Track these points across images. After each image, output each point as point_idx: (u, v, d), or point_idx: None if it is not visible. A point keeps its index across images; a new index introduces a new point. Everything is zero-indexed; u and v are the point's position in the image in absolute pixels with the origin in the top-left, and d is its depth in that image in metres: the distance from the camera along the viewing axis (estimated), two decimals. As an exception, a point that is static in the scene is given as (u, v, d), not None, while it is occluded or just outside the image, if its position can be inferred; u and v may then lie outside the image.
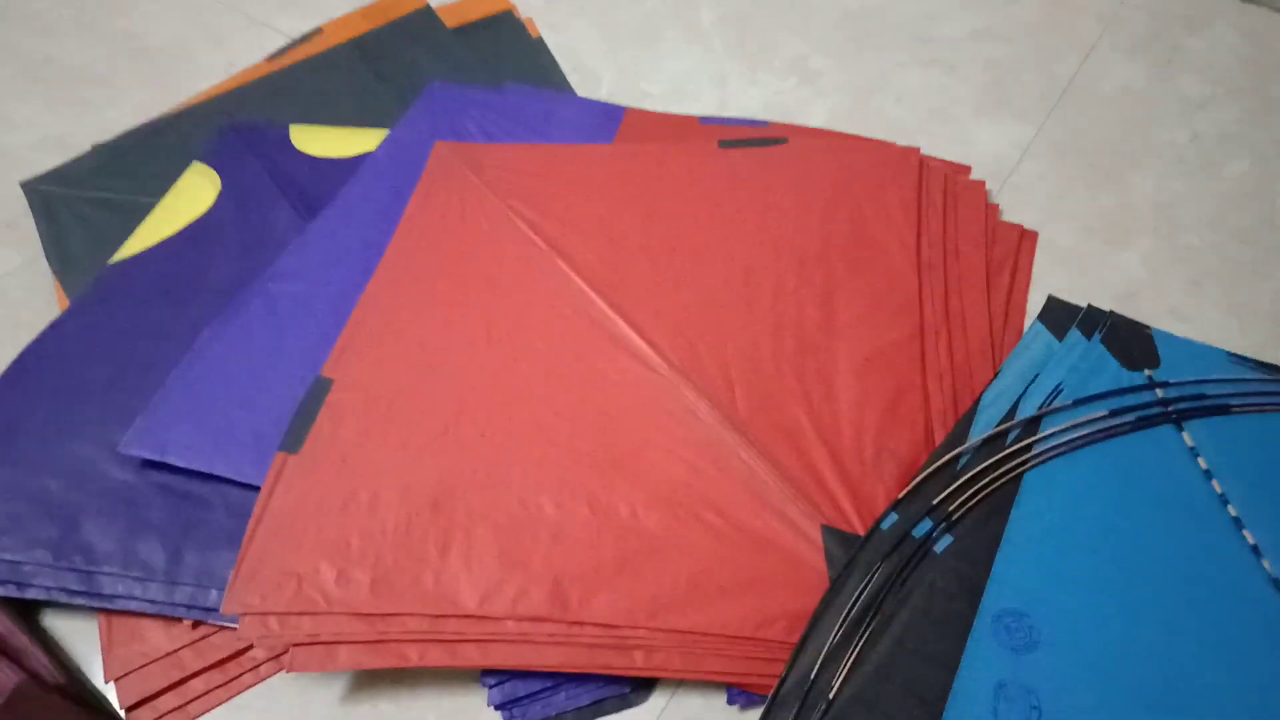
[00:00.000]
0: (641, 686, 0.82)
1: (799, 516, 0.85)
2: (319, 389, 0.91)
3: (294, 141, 1.18)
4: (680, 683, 0.83)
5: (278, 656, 0.83)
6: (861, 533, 0.85)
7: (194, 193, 1.11)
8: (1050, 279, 1.09)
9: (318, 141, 1.19)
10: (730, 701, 0.81)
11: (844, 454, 0.90)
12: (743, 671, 0.79)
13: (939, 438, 0.92)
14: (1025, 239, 1.14)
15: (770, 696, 0.76)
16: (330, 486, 0.85)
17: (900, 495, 0.86)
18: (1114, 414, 0.91)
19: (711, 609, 0.81)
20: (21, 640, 0.80)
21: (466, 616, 0.79)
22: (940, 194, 1.11)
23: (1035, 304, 1.07)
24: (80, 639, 0.85)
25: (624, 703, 0.82)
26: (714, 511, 0.86)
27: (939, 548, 0.82)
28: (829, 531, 0.85)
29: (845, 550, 0.83)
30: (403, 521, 0.84)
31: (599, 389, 0.93)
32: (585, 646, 0.79)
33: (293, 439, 0.87)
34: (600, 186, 1.07)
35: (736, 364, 0.95)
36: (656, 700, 0.82)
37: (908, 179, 1.11)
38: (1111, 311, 1.02)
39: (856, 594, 0.80)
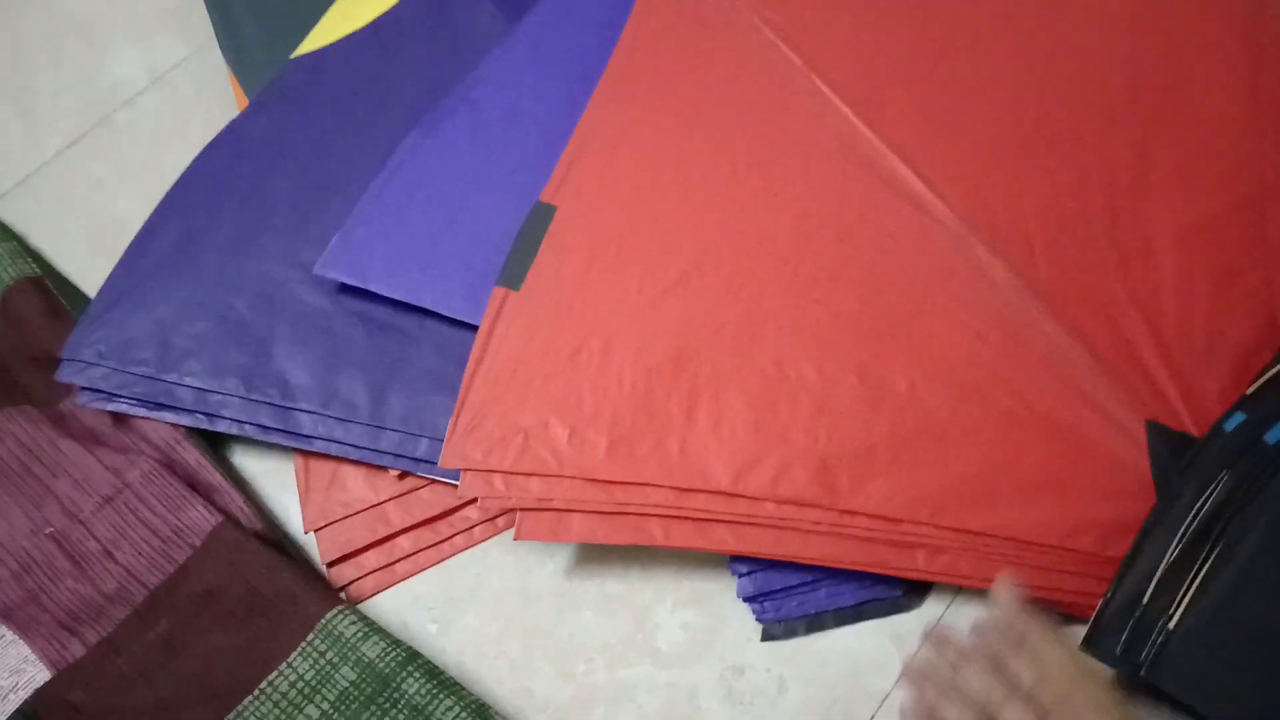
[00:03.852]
0: (914, 591, 0.70)
1: (1116, 407, 0.70)
2: (540, 216, 0.77)
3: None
4: (959, 590, 0.70)
5: (493, 519, 0.73)
6: (1193, 432, 0.69)
7: (380, -18, 0.96)
8: None
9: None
10: (1023, 618, 0.68)
11: (1169, 336, 0.73)
12: (1044, 585, 0.66)
13: (1282, 324, 0.74)
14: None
15: (1093, 619, 0.63)
16: (557, 331, 0.73)
17: (1249, 390, 0.69)
18: None
19: (1007, 509, 0.67)
20: (215, 477, 0.71)
21: (718, 493, 0.67)
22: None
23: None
24: (273, 483, 0.76)
25: (893, 607, 0.69)
26: (1010, 394, 0.71)
27: (1301, 458, 0.66)
28: (1154, 428, 0.69)
29: (1173, 452, 0.68)
30: (641, 378, 0.71)
31: (868, 239, 0.77)
32: (859, 540, 0.67)
33: (513, 273, 0.75)
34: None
35: (1035, 219, 0.77)
36: (931, 608, 0.70)
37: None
38: None
39: (1197, 508, 0.65)
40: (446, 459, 0.67)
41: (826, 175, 0.80)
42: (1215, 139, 0.82)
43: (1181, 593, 0.63)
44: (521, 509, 0.67)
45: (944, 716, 0.56)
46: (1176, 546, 0.64)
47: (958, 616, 0.69)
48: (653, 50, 0.87)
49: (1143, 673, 0.61)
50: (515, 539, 0.65)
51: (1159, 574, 0.63)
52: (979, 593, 0.69)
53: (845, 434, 0.69)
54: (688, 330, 0.73)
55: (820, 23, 0.87)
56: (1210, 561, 0.63)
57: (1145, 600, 0.62)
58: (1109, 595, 0.63)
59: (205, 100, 0.95)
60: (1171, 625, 0.62)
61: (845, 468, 0.68)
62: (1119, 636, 0.62)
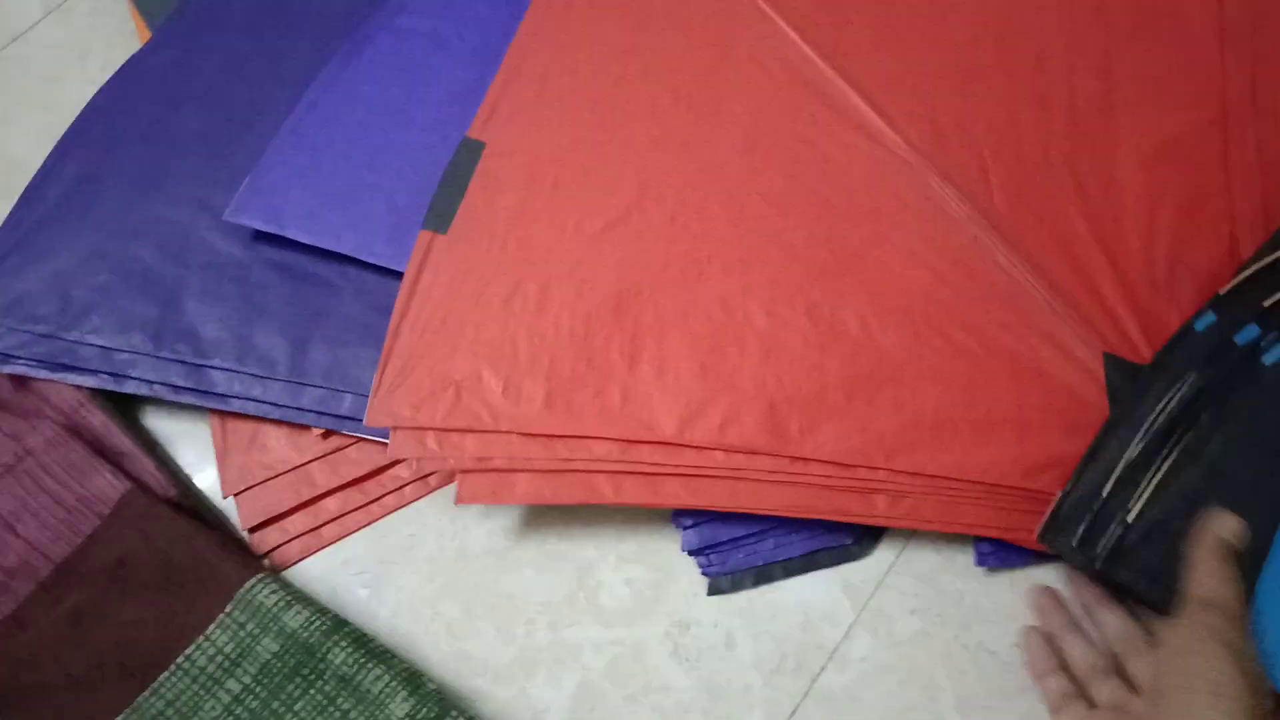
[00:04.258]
0: (866, 538, 0.67)
1: (1074, 340, 0.67)
2: (468, 153, 0.72)
3: None
4: (910, 535, 0.67)
5: (425, 477, 0.69)
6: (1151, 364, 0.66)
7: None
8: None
9: None
10: (979, 562, 0.66)
11: (1129, 266, 0.70)
12: (1008, 526, 0.64)
13: (1246, 251, 0.71)
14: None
15: (1051, 510, 0.61)
16: (489, 274, 0.68)
17: (1222, 291, 0.66)
18: None
19: (964, 449, 0.64)
20: (123, 442, 0.66)
21: (664, 443, 0.64)
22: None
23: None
24: (188, 445, 0.71)
25: (844, 555, 0.67)
26: (965, 330, 0.68)
27: (1269, 359, 0.64)
28: (1112, 360, 0.66)
29: (1132, 384, 0.65)
30: (580, 323, 0.67)
31: (817, 170, 0.73)
32: (816, 488, 0.64)
33: (439, 214, 0.69)
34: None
35: (991, 145, 0.74)
36: (883, 554, 0.67)
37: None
38: None
39: (1163, 403, 0.63)
40: (372, 416, 0.63)
41: (774, 104, 0.75)
42: (1181, 56, 0.78)
43: (1142, 488, 0.61)
44: (460, 470, 0.63)
45: (1067, 650, 0.60)
46: (1140, 443, 0.62)
47: (911, 563, 0.67)
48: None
49: (1098, 565, 0.60)
50: (456, 503, 0.61)
51: (1119, 469, 0.61)
52: (932, 539, 0.67)
53: (795, 377, 0.66)
54: (630, 270, 0.69)
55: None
56: (1173, 458, 0.62)
57: (1105, 494, 0.61)
58: (1068, 488, 0.61)
59: (104, 31, 0.87)
60: (1130, 519, 0.60)
61: (796, 412, 0.65)
62: (1077, 528, 0.60)
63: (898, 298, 0.69)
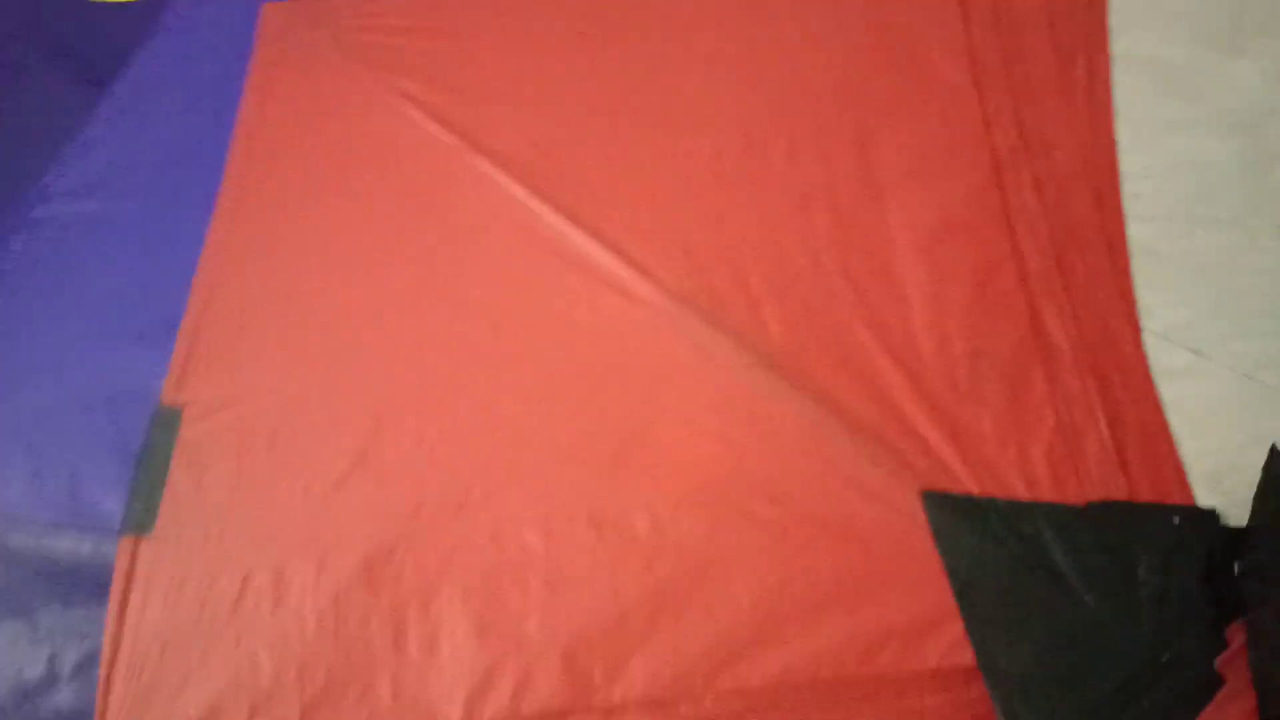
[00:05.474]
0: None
1: (886, 482, 0.60)
2: (163, 427, 0.61)
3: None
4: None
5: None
6: (974, 489, 0.60)
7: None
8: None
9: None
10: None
11: (928, 375, 0.64)
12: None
13: (1047, 316, 0.65)
14: (1094, 8, 0.82)
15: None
16: (211, 572, 0.58)
17: None
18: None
19: (791, 646, 0.57)
20: None
21: (452, 733, 0.55)
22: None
23: (1125, 94, 0.77)
24: None
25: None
26: (768, 500, 0.60)
27: None
28: (932, 498, 0.60)
29: (959, 517, 0.59)
30: (328, 607, 0.57)
31: (572, 346, 0.64)
32: (629, 744, 0.55)
33: (139, 513, 0.59)
34: (515, 27, 0.73)
35: (758, 268, 0.66)
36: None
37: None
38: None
39: None
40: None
41: (513, 277, 0.66)
42: (938, 110, 0.72)
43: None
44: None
45: None
46: None
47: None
48: (275, 153, 0.70)
49: None
50: None
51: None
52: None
53: (588, 609, 0.57)
54: (378, 524, 0.59)
55: (468, 79, 0.72)
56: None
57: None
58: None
59: None
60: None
61: (597, 655, 0.56)
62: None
63: (687, 479, 0.61)
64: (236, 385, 0.63)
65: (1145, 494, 0.60)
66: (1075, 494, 0.60)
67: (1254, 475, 0.59)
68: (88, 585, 0.57)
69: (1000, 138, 0.72)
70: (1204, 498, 0.60)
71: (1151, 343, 0.65)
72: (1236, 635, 0.55)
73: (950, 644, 0.55)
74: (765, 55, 0.72)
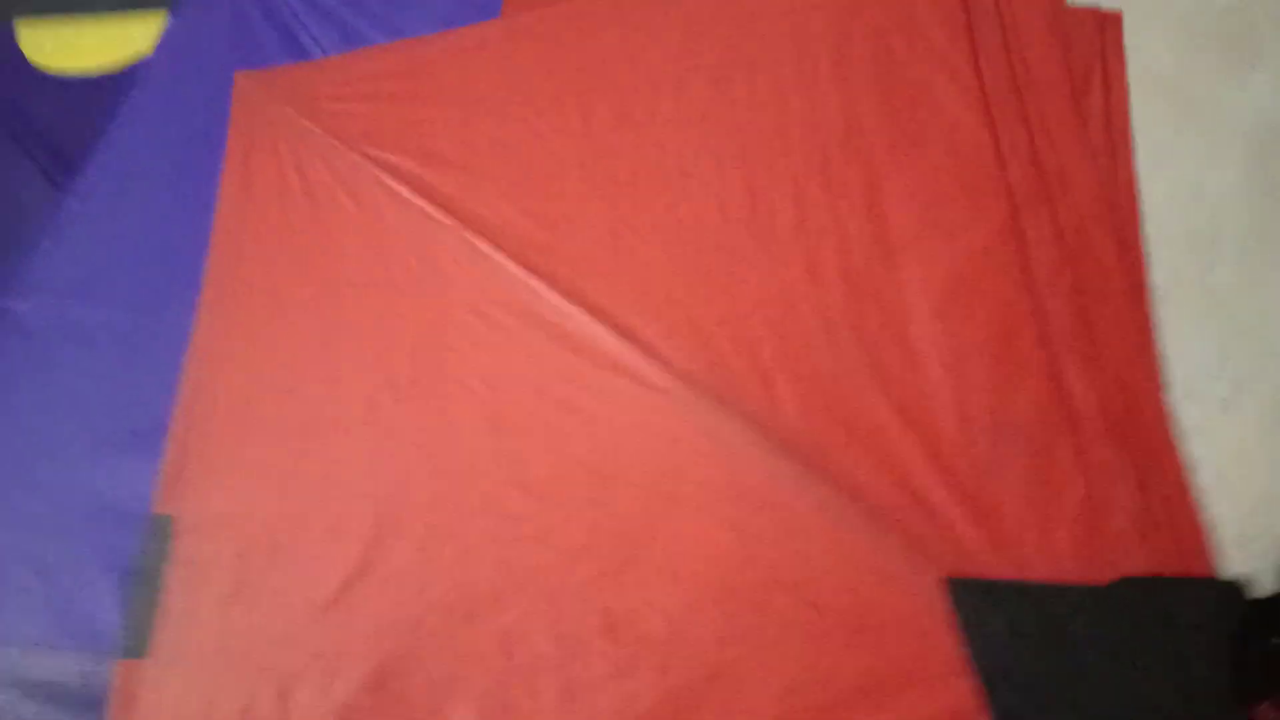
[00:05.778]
0: None
1: (909, 569, 0.58)
2: (156, 538, 0.59)
3: (26, 50, 0.78)
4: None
5: None
6: (998, 573, 0.58)
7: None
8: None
9: (61, 47, 0.79)
10: None
11: (948, 447, 0.61)
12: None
13: (1070, 378, 0.62)
14: (1108, 28, 0.77)
15: None
16: (212, 696, 0.56)
17: None
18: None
19: (815, 749, 0.55)
20: None
21: None
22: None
23: (1142, 119, 0.73)
24: None
25: None
26: (786, 590, 0.58)
27: None
28: (957, 585, 0.57)
29: (986, 604, 0.56)
30: (337, 725, 0.55)
31: (580, 437, 0.62)
32: None
33: (133, 635, 0.57)
34: (497, 92, 0.69)
35: (769, 340, 0.63)
36: None
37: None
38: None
39: None
40: None
41: (514, 365, 0.63)
42: (954, 157, 0.68)
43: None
44: None
45: None
46: None
47: None
48: (254, 239, 0.67)
49: None
50: None
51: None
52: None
53: (603, 717, 0.56)
54: (384, 633, 0.58)
55: (452, 148, 0.68)
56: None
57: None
58: None
59: None
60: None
61: (615, 766, 0.55)
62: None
63: (702, 574, 0.59)
64: (229, 493, 0.61)
65: (1173, 564, 0.58)
66: (1102, 570, 0.58)
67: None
68: (77, 708, 0.55)
69: (1016, 176, 0.68)
70: (1234, 562, 0.58)
71: (1174, 397, 0.62)
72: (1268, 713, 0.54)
73: (977, 742, 0.53)
74: (765, 105, 0.68)
